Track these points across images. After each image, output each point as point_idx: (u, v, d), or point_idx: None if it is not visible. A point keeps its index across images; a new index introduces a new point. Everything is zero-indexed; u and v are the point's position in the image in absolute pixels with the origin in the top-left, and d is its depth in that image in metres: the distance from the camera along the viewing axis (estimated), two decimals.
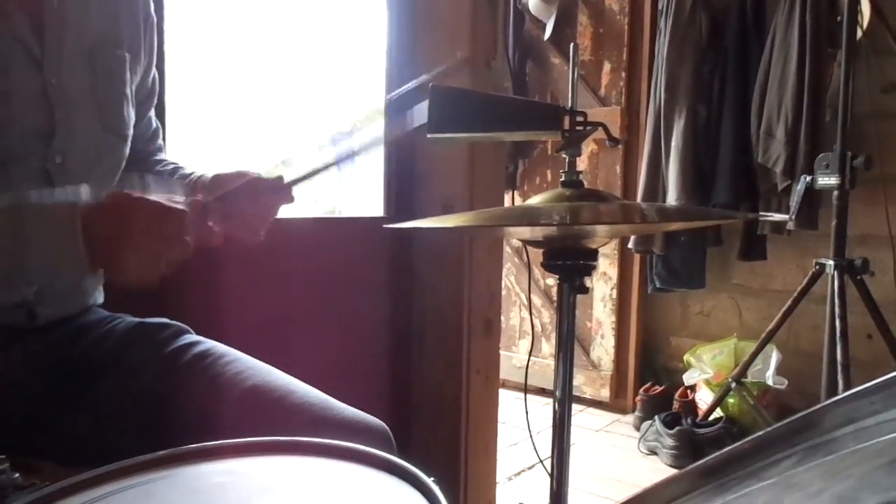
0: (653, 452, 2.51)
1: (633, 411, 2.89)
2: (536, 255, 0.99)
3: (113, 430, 0.87)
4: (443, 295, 1.66)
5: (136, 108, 1.01)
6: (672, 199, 2.63)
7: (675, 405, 2.72)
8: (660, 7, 2.75)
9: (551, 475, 0.96)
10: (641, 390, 2.87)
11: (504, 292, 2.89)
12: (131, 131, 0.98)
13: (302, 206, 1.17)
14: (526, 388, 1.53)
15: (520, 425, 1.74)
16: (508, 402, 2.21)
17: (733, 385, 2.41)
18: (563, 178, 0.90)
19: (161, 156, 1.13)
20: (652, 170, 2.76)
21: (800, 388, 2.50)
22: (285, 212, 0.96)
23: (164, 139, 1.19)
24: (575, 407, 2.92)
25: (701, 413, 2.57)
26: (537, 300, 3.19)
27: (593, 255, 0.91)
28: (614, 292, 3.01)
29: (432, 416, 1.69)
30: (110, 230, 0.69)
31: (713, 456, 0.43)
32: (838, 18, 2.14)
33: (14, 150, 0.83)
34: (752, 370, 2.47)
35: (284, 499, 0.56)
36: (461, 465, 1.64)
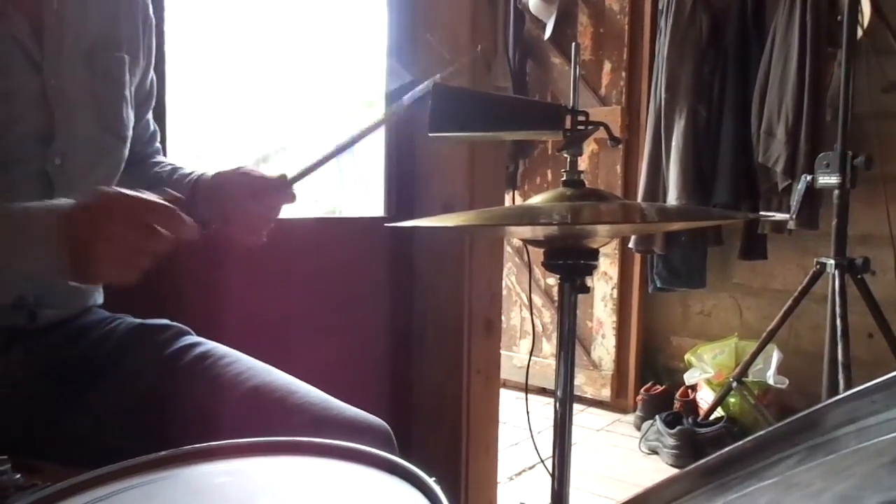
0: (654, 452, 2.51)
1: (634, 411, 2.89)
2: (537, 254, 0.99)
3: (114, 431, 0.87)
4: (443, 295, 1.66)
5: (135, 109, 1.01)
6: (672, 198, 2.63)
7: (676, 405, 2.72)
8: (660, 7, 2.75)
9: (552, 475, 0.96)
10: (642, 390, 2.87)
11: (505, 292, 2.89)
12: (130, 133, 0.98)
13: (302, 206, 1.17)
14: (527, 388, 1.53)
15: (521, 425, 1.74)
16: (509, 402, 2.21)
17: (734, 385, 2.41)
18: (563, 178, 0.90)
19: (159, 157, 1.13)
20: (652, 169, 2.76)
21: (801, 388, 2.50)
22: (286, 212, 0.97)
23: (164, 140, 1.19)
24: (576, 407, 2.91)
25: (702, 413, 2.57)
26: (538, 300, 3.19)
27: (594, 254, 0.91)
28: (615, 292, 3.01)
29: (433, 416, 1.69)
30: (88, 228, 0.67)
31: (714, 455, 0.43)
32: (839, 18, 2.14)
33: (13, 151, 0.83)
34: (752, 370, 2.47)
35: (285, 499, 0.56)
36: (462, 465, 1.64)
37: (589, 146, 3.02)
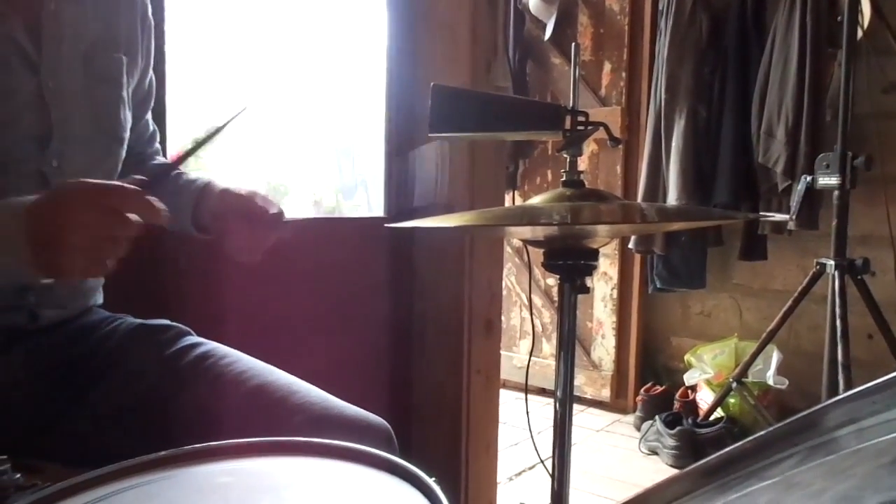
0: (654, 452, 2.51)
1: (634, 411, 2.89)
2: (537, 255, 0.99)
3: (114, 432, 0.88)
4: (443, 295, 1.66)
5: (133, 110, 1.01)
6: (672, 199, 2.63)
7: (676, 405, 2.72)
8: (660, 7, 2.75)
9: (552, 475, 0.96)
10: (642, 390, 2.87)
11: (505, 292, 2.89)
12: (128, 134, 0.98)
13: (303, 206, 1.18)
14: (527, 389, 1.53)
15: (520, 425, 1.74)
16: (509, 402, 2.21)
17: (734, 385, 2.41)
18: (563, 178, 0.91)
19: (159, 159, 1.13)
20: (652, 170, 2.76)
21: (801, 389, 2.50)
22: (286, 212, 0.97)
23: (164, 141, 1.19)
24: (576, 407, 2.91)
25: (702, 413, 2.57)
26: (538, 300, 3.19)
27: (594, 254, 0.91)
28: (615, 292, 3.01)
29: (433, 416, 1.69)
30: (51, 221, 0.66)
31: (714, 456, 0.43)
32: (839, 18, 2.14)
33: (10, 152, 0.83)
34: (752, 370, 2.47)
35: (285, 499, 0.56)
36: (462, 465, 1.64)
37: (589, 147, 3.02)
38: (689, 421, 2.43)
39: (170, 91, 1.26)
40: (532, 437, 1.44)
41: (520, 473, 2.33)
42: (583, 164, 2.94)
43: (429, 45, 1.63)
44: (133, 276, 0.93)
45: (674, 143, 2.65)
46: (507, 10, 1.76)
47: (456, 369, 1.63)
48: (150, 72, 1.05)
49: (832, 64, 2.39)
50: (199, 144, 0.81)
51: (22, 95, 0.84)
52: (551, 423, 0.95)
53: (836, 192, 2.08)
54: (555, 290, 3.14)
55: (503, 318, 2.73)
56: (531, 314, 2.18)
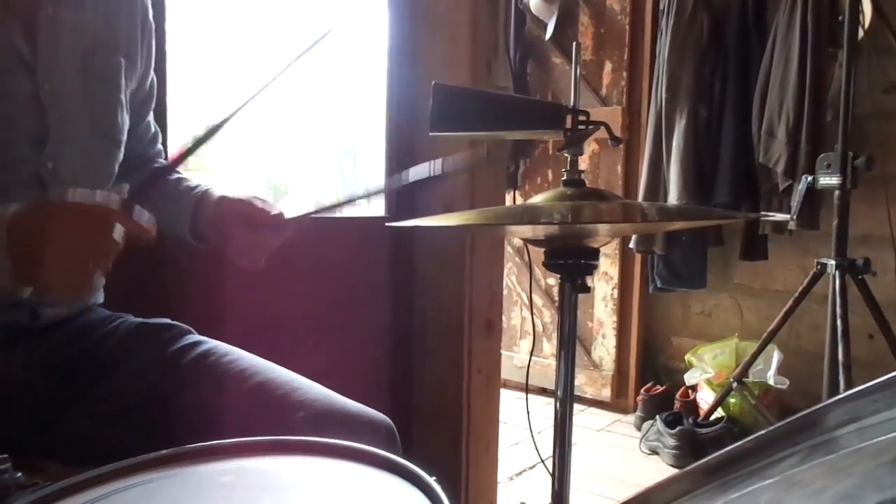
0: (654, 452, 2.51)
1: (635, 411, 2.89)
2: (537, 254, 0.99)
3: (116, 430, 0.88)
4: (444, 294, 1.66)
5: (134, 112, 1.01)
6: (673, 199, 2.63)
7: (677, 405, 2.72)
8: (661, 7, 2.75)
9: (552, 475, 0.96)
10: (643, 390, 2.87)
11: (505, 292, 2.89)
12: (125, 136, 0.98)
13: (303, 206, 1.18)
14: (527, 388, 1.53)
15: (521, 425, 1.74)
16: (510, 402, 2.21)
17: (735, 385, 2.41)
18: (564, 178, 0.91)
19: (161, 160, 1.13)
20: (653, 170, 2.76)
21: (801, 388, 2.50)
22: (286, 212, 0.97)
23: (165, 142, 1.19)
24: (576, 407, 2.92)
25: (702, 413, 2.57)
26: (538, 300, 3.19)
27: (595, 254, 0.91)
28: (615, 292, 3.01)
29: (433, 416, 1.69)
30: (35, 233, 0.66)
31: (715, 455, 0.43)
32: (839, 18, 2.13)
33: (6, 154, 0.83)
34: (753, 370, 2.47)
35: (287, 498, 0.56)
36: (462, 465, 1.64)
37: (589, 146, 3.02)
38: (690, 421, 2.43)
39: (172, 92, 1.26)
40: (532, 436, 1.44)
41: (520, 473, 2.33)
42: (583, 163, 2.93)
43: (429, 44, 1.63)
44: (134, 275, 0.94)
45: (674, 143, 2.65)
46: (508, 10, 1.76)
47: (456, 369, 1.63)
48: (151, 73, 1.05)
49: (833, 64, 2.39)
50: (199, 142, 0.81)
51: (18, 97, 0.84)
52: (552, 422, 0.96)
53: (836, 192, 2.08)
54: (555, 290, 3.14)
55: (504, 317, 2.73)
56: (532, 314, 2.18)
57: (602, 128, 0.90)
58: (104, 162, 0.95)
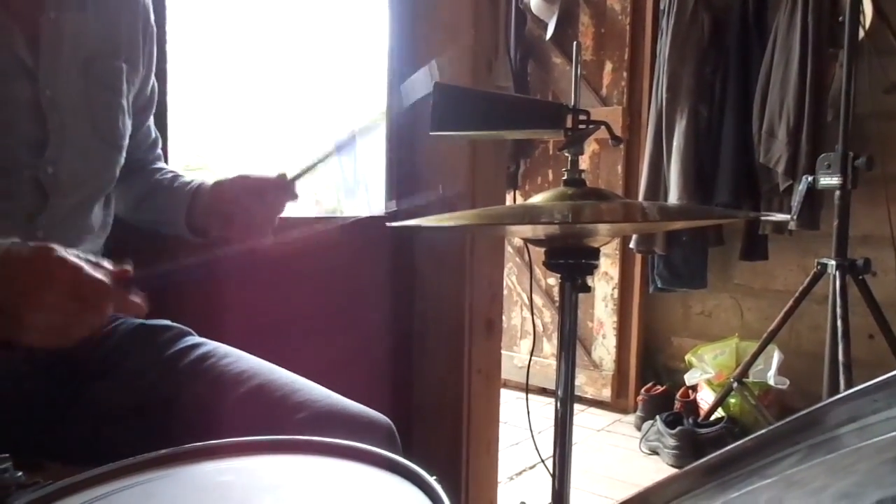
0: (654, 452, 2.51)
1: (635, 411, 2.89)
2: (538, 254, 0.99)
3: (115, 431, 0.88)
4: (444, 294, 1.66)
5: (135, 116, 1.00)
6: (673, 198, 2.63)
7: (677, 405, 2.72)
8: (661, 7, 2.75)
9: (553, 475, 0.96)
10: (643, 390, 2.87)
11: (505, 292, 2.89)
12: (126, 141, 0.98)
13: (303, 205, 1.18)
14: (527, 388, 1.53)
15: (521, 425, 1.74)
16: (510, 402, 2.21)
17: (735, 385, 2.41)
18: (565, 177, 0.91)
19: (160, 164, 1.13)
20: (653, 170, 2.76)
21: (801, 389, 2.50)
22: (287, 211, 0.97)
23: (165, 147, 1.18)
24: (576, 407, 2.92)
25: (702, 413, 2.57)
26: (539, 300, 3.19)
27: (595, 254, 0.91)
28: (616, 292, 3.01)
29: (434, 416, 1.69)
30: (19, 290, 0.62)
31: (715, 454, 0.43)
32: (840, 18, 2.13)
33: (6, 159, 0.83)
34: (753, 370, 2.47)
35: (286, 498, 0.56)
36: (462, 465, 1.64)
37: (590, 146, 3.02)
38: (690, 421, 2.43)
39: (172, 95, 1.26)
40: (533, 436, 1.44)
41: (520, 473, 2.33)
42: (584, 163, 2.92)
43: (430, 44, 1.63)
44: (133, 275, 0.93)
45: (675, 143, 2.65)
46: (509, 10, 1.76)
47: (457, 369, 1.63)
48: (153, 78, 1.05)
49: (833, 64, 2.39)
50: (306, 170, 0.87)
51: (18, 102, 0.83)
52: (552, 422, 0.95)
53: (837, 192, 2.08)
54: (556, 290, 3.14)
55: (504, 317, 2.73)
56: (532, 314, 2.17)
57: (602, 127, 0.90)
58: (105, 167, 0.95)
